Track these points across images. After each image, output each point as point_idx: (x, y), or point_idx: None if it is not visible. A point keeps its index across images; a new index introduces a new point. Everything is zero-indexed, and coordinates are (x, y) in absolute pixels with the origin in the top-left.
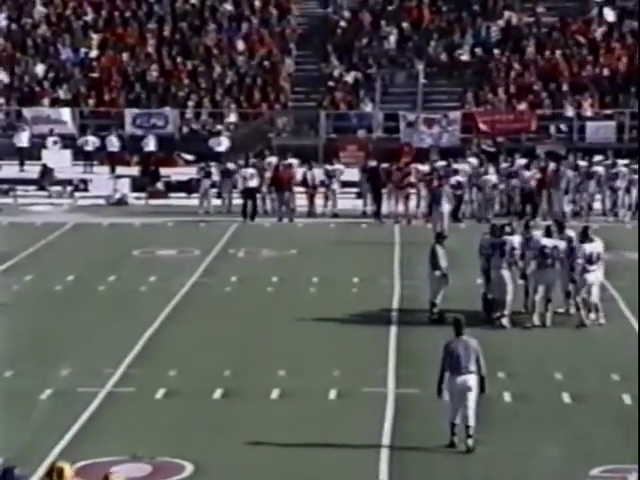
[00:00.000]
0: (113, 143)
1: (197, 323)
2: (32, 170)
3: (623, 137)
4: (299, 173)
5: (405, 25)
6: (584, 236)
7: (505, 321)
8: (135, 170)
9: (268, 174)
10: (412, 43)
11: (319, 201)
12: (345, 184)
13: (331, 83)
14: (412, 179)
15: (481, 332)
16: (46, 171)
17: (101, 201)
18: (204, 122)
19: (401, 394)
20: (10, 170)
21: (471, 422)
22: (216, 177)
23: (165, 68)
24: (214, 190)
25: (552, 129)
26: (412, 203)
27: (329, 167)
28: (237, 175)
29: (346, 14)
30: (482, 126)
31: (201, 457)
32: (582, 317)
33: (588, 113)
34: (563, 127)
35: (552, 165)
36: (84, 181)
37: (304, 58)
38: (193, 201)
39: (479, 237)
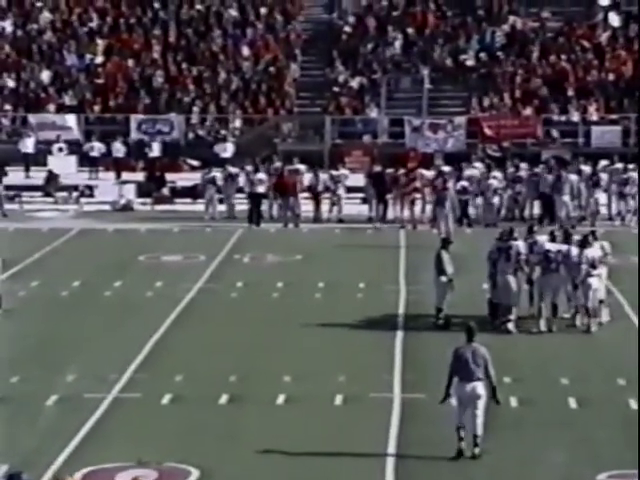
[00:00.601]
0: (118, 149)
1: (203, 328)
2: (38, 176)
3: (629, 142)
4: (306, 179)
5: (410, 30)
6: (585, 241)
7: (511, 326)
8: (140, 176)
9: (273, 179)
10: (417, 48)
11: (324, 206)
12: (350, 189)
13: (336, 88)
14: (418, 184)
15: (487, 337)
16: (52, 177)
17: (107, 207)
18: (209, 128)
19: (407, 399)
20: (16, 176)
21: (479, 431)
22: (220, 182)
23: (170, 74)
24: (219, 196)
25: (557, 134)
26: (417, 208)
27: (334, 172)
28: (240, 180)
29: (351, 19)
30: (487, 131)
31: (207, 462)
32: (589, 323)
33: (593, 118)
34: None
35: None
36: (90, 187)
37: (309, 63)
38: (199, 207)
39: (485, 242)
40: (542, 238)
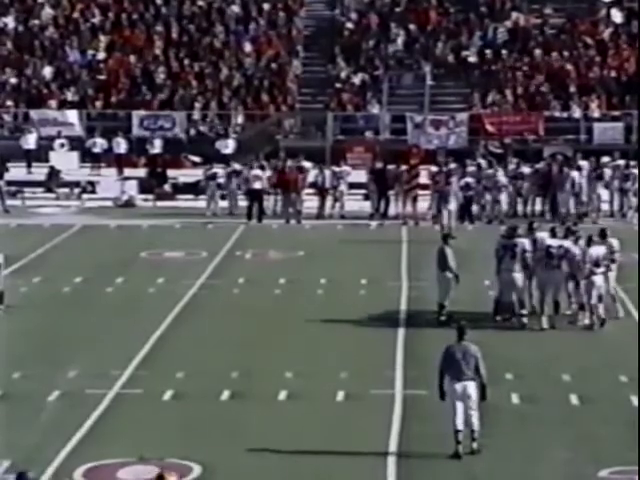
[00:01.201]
0: (120, 145)
1: (205, 325)
2: (39, 172)
3: (631, 138)
4: (311, 175)
5: (412, 27)
6: (590, 239)
7: (526, 319)
8: (142, 172)
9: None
10: (419, 45)
11: (327, 203)
12: (352, 186)
13: (338, 85)
14: (420, 181)
15: (489, 334)
16: (53, 173)
17: (109, 203)
18: (211, 124)
19: (409, 396)
20: (18, 172)
21: (475, 427)
22: (222, 179)
23: (172, 70)
24: (221, 192)
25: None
26: (420, 205)
27: (337, 169)
28: (242, 176)
29: (353, 16)
30: (489, 128)
31: (209, 459)
32: (592, 321)
33: (595, 114)
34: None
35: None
36: (91, 183)
37: (311, 60)
38: (200, 203)
39: (487, 239)
40: (543, 234)
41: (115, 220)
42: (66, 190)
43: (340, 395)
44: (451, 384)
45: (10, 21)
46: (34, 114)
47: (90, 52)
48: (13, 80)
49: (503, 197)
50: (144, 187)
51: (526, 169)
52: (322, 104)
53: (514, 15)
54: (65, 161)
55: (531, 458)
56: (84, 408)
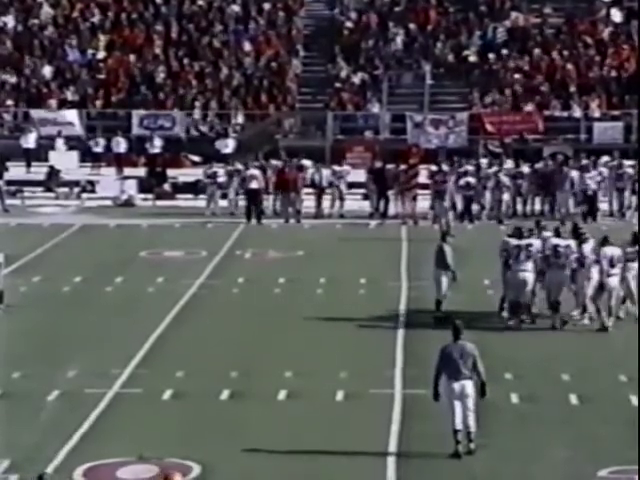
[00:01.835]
0: (120, 144)
1: (204, 324)
2: (39, 171)
3: (630, 138)
4: (309, 174)
5: (412, 26)
6: (605, 240)
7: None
8: (142, 171)
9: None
10: (419, 44)
11: (326, 202)
12: (352, 185)
13: (338, 84)
14: (419, 180)
15: (487, 333)
16: (53, 172)
17: (108, 202)
18: (211, 123)
19: (408, 395)
20: (17, 171)
21: (472, 428)
22: (222, 178)
23: (172, 69)
24: (221, 191)
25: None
26: (419, 204)
27: (337, 168)
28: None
29: (353, 15)
30: (489, 127)
31: (208, 458)
32: (604, 320)
33: (595, 114)
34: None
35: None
36: (91, 182)
37: (311, 59)
38: (200, 202)
39: (487, 238)
40: (547, 234)
41: (115, 219)
42: (66, 189)
43: (340, 394)
44: (449, 384)
45: (10, 20)
46: (34, 113)
47: (90, 51)
48: (13, 79)
49: (504, 196)
50: (144, 186)
51: (526, 168)
52: (322, 103)
53: (514, 15)
54: (65, 160)
55: (531, 458)
56: (84, 407)
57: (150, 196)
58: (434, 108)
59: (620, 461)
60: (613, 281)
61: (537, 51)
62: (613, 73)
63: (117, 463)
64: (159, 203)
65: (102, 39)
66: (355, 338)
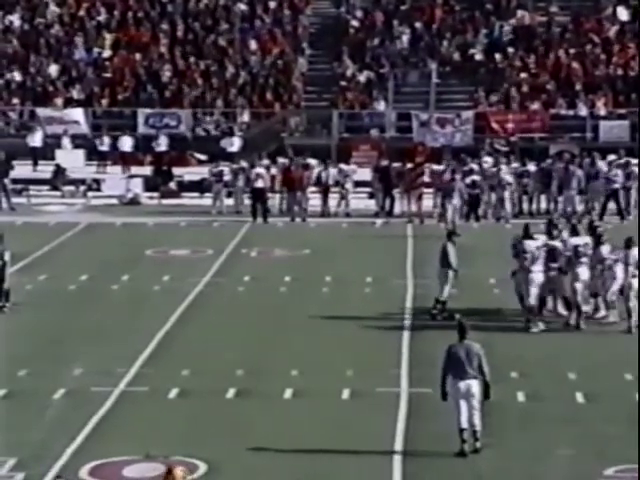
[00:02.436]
0: (126, 143)
1: (210, 323)
2: (45, 170)
3: (637, 136)
4: (315, 172)
5: (418, 24)
6: (629, 240)
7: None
8: (148, 170)
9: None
10: (425, 42)
11: (332, 201)
12: (358, 184)
13: (344, 83)
14: (425, 179)
15: (493, 332)
16: (59, 171)
17: (114, 201)
18: (217, 122)
19: (414, 394)
20: (23, 170)
21: (478, 427)
22: (228, 177)
23: (178, 68)
24: (227, 190)
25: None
26: (425, 203)
27: (344, 167)
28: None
29: (359, 14)
30: (495, 126)
31: (214, 456)
32: (631, 324)
33: (601, 112)
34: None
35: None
36: (97, 181)
37: (317, 58)
38: (206, 201)
39: (493, 237)
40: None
41: (120, 218)
42: (72, 188)
43: (345, 393)
44: (454, 383)
45: (16, 19)
46: (40, 112)
47: (96, 50)
48: (19, 78)
49: (506, 195)
50: (149, 185)
51: (531, 167)
52: (328, 102)
53: (520, 13)
54: (71, 159)
55: (537, 456)
56: (89, 406)
57: (156, 194)
58: (440, 106)
59: (626, 460)
60: (635, 283)
61: (543, 49)
62: (619, 71)
63: (123, 462)
64: (165, 201)
65: (108, 38)
66: (361, 336)
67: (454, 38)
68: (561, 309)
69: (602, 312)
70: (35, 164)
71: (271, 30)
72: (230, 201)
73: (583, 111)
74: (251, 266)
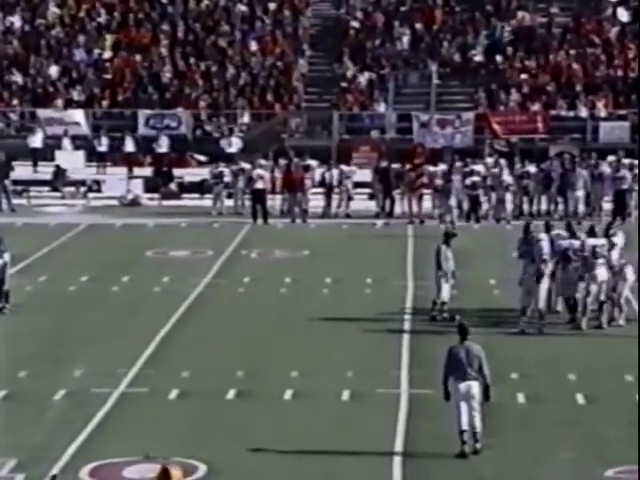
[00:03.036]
0: (127, 144)
1: (210, 324)
2: (45, 171)
3: (637, 137)
4: (317, 174)
5: (418, 26)
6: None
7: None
8: (148, 171)
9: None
10: (425, 44)
11: (333, 202)
12: (358, 185)
13: (344, 84)
14: (425, 180)
15: (494, 333)
16: (59, 172)
17: (114, 202)
18: (217, 123)
19: (415, 395)
20: (24, 171)
21: (478, 428)
22: (228, 178)
23: (178, 69)
24: (227, 191)
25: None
26: (425, 204)
27: (345, 168)
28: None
29: (359, 15)
30: (495, 127)
31: (214, 457)
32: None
33: (602, 113)
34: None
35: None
36: (97, 182)
37: (317, 59)
38: (206, 202)
39: (493, 238)
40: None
41: (121, 219)
42: (72, 189)
43: (346, 394)
44: (455, 384)
45: (16, 20)
46: (40, 113)
47: (96, 51)
48: (19, 79)
49: (507, 196)
50: (150, 186)
51: (532, 168)
52: (328, 103)
53: (520, 14)
54: (71, 160)
55: (537, 458)
56: (90, 407)
57: (156, 196)
58: (440, 108)
59: (627, 461)
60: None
61: (543, 50)
62: (619, 72)
63: (123, 462)
64: (165, 203)
65: (108, 39)
66: (361, 337)
67: (454, 39)
68: (559, 308)
69: (621, 322)
70: (35, 165)
71: (271, 31)
72: (230, 202)
73: (583, 112)
74: (251, 267)
